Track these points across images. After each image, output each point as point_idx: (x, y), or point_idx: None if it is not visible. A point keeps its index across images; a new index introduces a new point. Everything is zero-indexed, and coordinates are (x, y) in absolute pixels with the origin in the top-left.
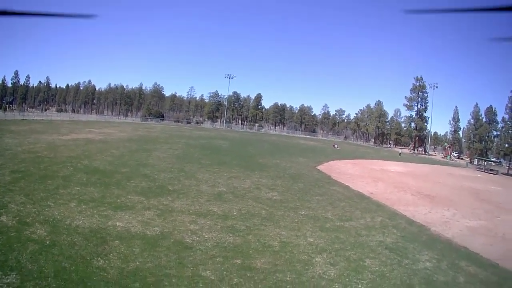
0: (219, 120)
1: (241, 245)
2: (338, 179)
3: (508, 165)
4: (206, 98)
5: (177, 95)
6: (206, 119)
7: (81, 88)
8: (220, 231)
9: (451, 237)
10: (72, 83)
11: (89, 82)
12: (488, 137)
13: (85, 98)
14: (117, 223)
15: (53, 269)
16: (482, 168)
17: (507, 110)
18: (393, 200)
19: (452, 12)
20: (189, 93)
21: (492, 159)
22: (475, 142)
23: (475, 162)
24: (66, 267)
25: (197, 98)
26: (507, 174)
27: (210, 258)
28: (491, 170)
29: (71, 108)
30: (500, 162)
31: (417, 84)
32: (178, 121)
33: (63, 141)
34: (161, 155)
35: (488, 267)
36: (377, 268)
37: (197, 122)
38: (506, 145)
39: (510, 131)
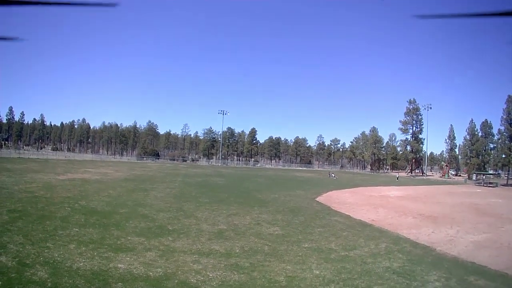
0: (215, 156)
1: (246, 283)
2: (338, 209)
3: (506, 175)
4: (200, 135)
5: (171, 132)
6: (202, 156)
7: (76, 126)
8: (224, 270)
9: (457, 254)
10: (66, 120)
11: (84, 120)
12: (485, 150)
13: (80, 136)
14: (119, 265)
15: None
16: (481, 183)
17: (503, 122)
18: (395, 225)
19: (459, 17)
20: (184, 130)
21: (490, 172)
22: (472, 157)
23: (474, 177)
24: None
25: (192, 135)
26: (506, 185)
27: None
28: (490, 183)
29: (66, 147)
30: (499, 173)
31: (411, 107)
32: (174, 159)
33: (60, 181)
34: (159, 194)
35: (497, 278)
36: None
37: (192, 160)
38: (503, 156)
39: (506, 142)
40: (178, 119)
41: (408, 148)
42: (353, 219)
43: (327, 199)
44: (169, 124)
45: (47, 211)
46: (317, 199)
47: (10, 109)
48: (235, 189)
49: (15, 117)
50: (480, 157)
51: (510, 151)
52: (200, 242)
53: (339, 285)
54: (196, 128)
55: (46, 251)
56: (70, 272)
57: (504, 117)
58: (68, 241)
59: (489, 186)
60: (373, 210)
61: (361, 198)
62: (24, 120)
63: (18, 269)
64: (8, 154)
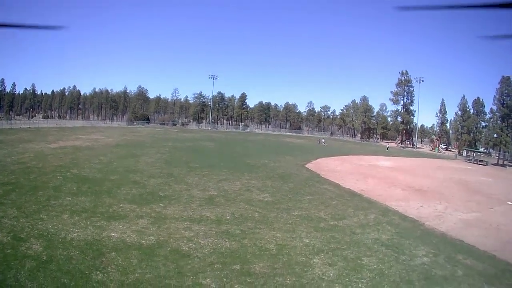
0: (205, 121)
1: (238, 250)
2: (328, 177)
3: (497, 155)
4: (190, 99)
5: (161, 97)
6: (192, 121)
7: (67, 94)
8: (215, 237)
9: (445, 231)
10: (57, 89)
11: (74, 87)
12: (476, 128)
13: (71, 103)
14: (112, 234)
15: (52, 286)
16: (471, 160)
17: (495, 101)
18: (385, 196)
19: (444, 9)
20: (174, 94)
21: (481, 150)
22: (463, 133)
23: (464, 153)
24: (65, 283)
25: (182, 100)
26: (497, 164)
27: (208, 265)
28: (480, 161)
29: (57, 114)
30: (490, 152)
31: (403, 78)
32: (164, 124)
33: (51, 149)
34: (149, 160)
35: (485, 259)
36: (375, 266)
37: (182, 124)
38: (495, 135)
39: (499, 122)
40: (168, 84)
41: (399, 119)
42: (342, 188)
43: (316, 166)
44: (159, 89)
45: (39, 181)
46: (307, 165)
47: (2, 80)
48: (225, 154)
49: (6, 88)
50: (471, 134)
51: (502, 131)
52: (191, 209)
53: (328, 255)
54: (187, 93)
55: (40, 223)
56: (64, 243)
57: (497, 97)
58: (61, 211)
59: (479, 164)
60: (362, 180)
61: (351, 166)
62: (15, 91)
63: (13, 244)
64: (0, 125)
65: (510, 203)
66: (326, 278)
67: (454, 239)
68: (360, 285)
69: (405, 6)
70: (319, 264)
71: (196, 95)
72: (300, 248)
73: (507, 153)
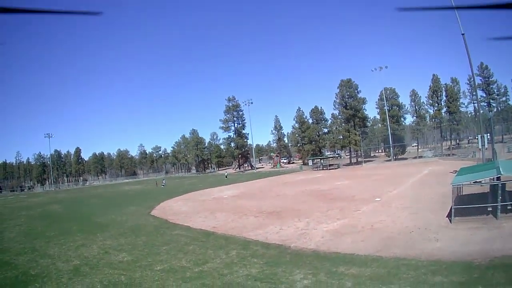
0: (47, 181)
1: None
2: (176, 221)
3: (348, 155)
4: (32, 160)
5: (7, 162)
6: (36, 183)
7: None
8: None
9: (315, 247)
10: None
11: None
12: (318, 136)
13: None
14: None
15: None
16: (319, 167)
17: (336, 106)
18: (239, 228)
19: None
20: (17, 158)
21: (327, 155)
22: (305, 144)
23: (310, 163)
24: None
25: (25, 162)
26: (349, 164)
27: None
28: (330, 165)
29: None
30: (339, 154)
31: (230, 104)
32: (14, 190)
33: None
34: (11, 235)
35: (370, 263)
36: None
37: (29, 188)
38: (341, 137)
39: (343, 124)
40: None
41: (233, 144)
42: (194, 230)
43: (161, 211)
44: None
45: None
46: (152, 213)
47: None
48: (74, 217)
49: None
50: (314, 143)
51: (349, 132)
52: (63, 284)
53: None
54: (28, 154)
55: None
56: None
57: (338, 100)
58: None
59: (330, 169)
60: (211, 216)
61: (195, 204)
62: None
63: None
64: None
65: (378, 199)
66: None
67: (329, 252)
68: None
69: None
70: None
71: (36, 155)
72: None
73: (358, 152)
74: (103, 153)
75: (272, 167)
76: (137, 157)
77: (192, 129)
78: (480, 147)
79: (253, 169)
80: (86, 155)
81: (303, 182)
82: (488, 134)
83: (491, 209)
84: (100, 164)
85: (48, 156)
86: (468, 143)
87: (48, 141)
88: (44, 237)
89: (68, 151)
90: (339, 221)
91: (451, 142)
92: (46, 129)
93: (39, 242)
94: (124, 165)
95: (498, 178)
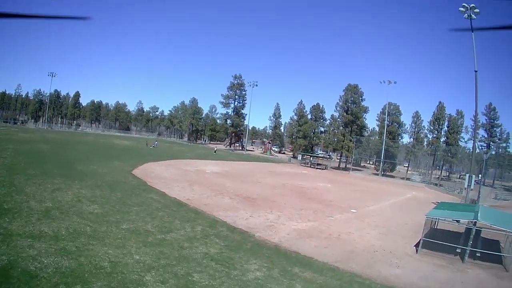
0: (41, 118)
1: (76, 269)
2: (154, 185)
3: (338, 159)
4: (31, 95)
5: (6, 93)
6: (30, 118)
7: None
8: (55, 255)
9: (278, 242)
10: None
11: None
12: (313, 133)
13: None
14: None
15: None
16: (307, 163)
17: (338, 108)
18: (211, 205)
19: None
20: (17, 90)
21: (319, 154)
22: (299, 137)
23: (299, 157)
24: None
25: (23, 96)
26: (338, 168)
27: (54, 287)
28: (318, 165)
29: None
30: (330, 155)
31: (236, 82)
32: (7, 122)
33: None
34: None
35: (326, 272)
36: (206, 283)
37: (22, 122)
38: (336, 140)
39: (341, 128)
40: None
41: (229, 121)
42: (168, 198)
43: (143, 172)
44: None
45: None
46: (134, 172)
47: None
48: (58, 159)
49: None
50: (308, 139)
51: (344, 137)
52: (32, 223)
53: (159, 272)
54: (28, 89)
55: None
56: None
57: (340, 103)
58: None
59: (318, 168)
60: (188, 188)
61: (177, 172)
62: None
63: None
64: None
65: (353, 210)
66: None
67: (289, 251)
68: None
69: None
70: (151, 282)
71: (35, 92)
72: (132, 265)
73: (349, 158)
74: (101, 101)
75: (262, 153)
76: (133, 112)
77: (193, 97)
78: (466, 186)
79: (243, 150)
80: (84, 101)
81: (287, 175)
82: (479, 175)
83: (459, 251)
84: (96, 112)
85: (47, 94)
86: (459, 178)
87: (50, 80)
88: (25, 174)
89: (67, 93)
90: (309, 223)
91: (441, 173)
92: (52, 68)
93: (19, 178)
94: (120, 118)
95: (475, 223)
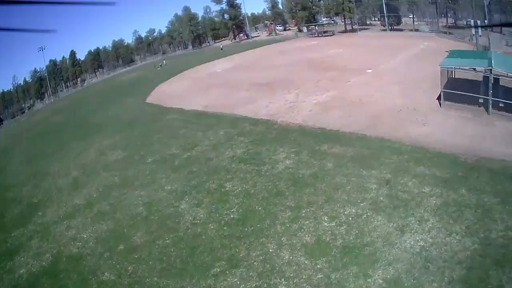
0: (46, 94)
1: (115, 228)
2: (170, 104)
3: (343, 22)
4: (28, 79)
5: (5, 90)
6: (36, 100)
7: None
8: (92, 224)
9: (302, 122)
10: None
11: None
12: (312, 2)
13: None
14: None
15: None
16: (314, 34)
17: None
18: (230, 104)
19: None
20: (14, 82)
21: (322, 21)
22: (298, 10)
23: (305, 29)
24: None
25: (22, 84)
26: (345, 31)
27: (99, 259)
28: (325, 32)
29: None
30: (334, 21)
31: None
32: (14, 116)
33: None
34: (12, 167)
35: (355, 142)
36: (239, 189)
37: (28, 108)
38: (335, 4)
39: None
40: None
41: (226, 16)
42: (186, 112)
43: (156, 97)
44: None
45: None
46: (147, 100)
47: None
48: (72, 124)
49: None
50: (308, 10)
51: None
52: (63, 203)
53: (192, 195)
54: (24, 75)
55: None
56: None
57: None
58: None
59: (325, 36)
60: (204, 94)
61: (189, 83)
62: None
63: None
64: None
65: (369, 70)
66: (198, 221)
67: (314, 128)
68: (232, 216)
69: None
70: (187, 209)
71: (31, 72)
72: (165, 199)
73: (353, 19)
74: (98, 48)
75: (268, 35)
76: (132, 44)
77: (184, 6)
78: (473, 32)
79: (249, 38)
80: (81, 55)
81: (297, 50)
82: (485, 21)
83: (482, 101)
84: (97, 60)
85: (44, 68)
86: (466, 24)
87: (42, 55)
88: (45, 155)
89: (63, 57)
90: (329, 93)
91: (447, 20)
92: (39, 43)
93: (40, 163)
94: (121, 54)
95: (490, 71)
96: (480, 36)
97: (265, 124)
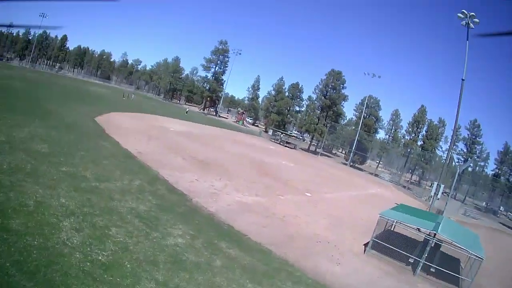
0: (27, 58)
1: (3, 203)
2: (112, 133)
3: (310, 141)
4: (20, 34)
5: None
6: (17, 56)
7: None
8: None
9: (214, 212)
10: None
11: None
12: (288, 110)
13: None
14: None
15: None
16: (277, 140)
17: (317, 91)
18: (160, 162)
19: None
20: (8, 29)
21: (291, 132)
22: (273, 113)
23: (270, 132)
24: None
25: (14, 34)
26: (307, 150)
27: None
28: (287, 143)
29: None
30: (302, 137)
31: (220, 47)
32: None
33: None
34: None
35: (255, 253)
36: (121, 239)
37: (7, 59)
38: (310, 122)
39: (317, 111)
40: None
41: (207, 86)
42: (120, 148)
43: (106, 120)
44: None
45: None
46: (97, 118)
47: None
48: (29, 97)
49: None
50: (282, 116)
51: (318, 120)
52: None
53: (78, 219)
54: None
55: None
56: None
57: (320, 87)
58: None
59: (286, 146)
60: (145, 141)
61: (140, 125)
62: None
63: None
64: None
65: (308, 194)
66: (69, 244)
67: (223, 223)
68: (100, 258)
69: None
70: (67, 228)
71: (26, 30)
72: (54, 207)
73: (320, 142)
74: (87, 48)
75: (235, 121)
76: (117, 63)
77: (176, 56)
78: (432, 194)
79: (216, 115)
80: (72, 46)
81: (252, 147)
82: (451, 187)
83: (412, 261)
84: (81, 57)
85: (37, 34)
86: (430, 185)
87: (40, 21)
88: None
89: (56, 36)
90: (256, 198)
91: (411, 176)
92: (43, 9)
93: None
94: (102, 66)
95: (434, 235)
96: (438, 199)
97: (179, 196)
